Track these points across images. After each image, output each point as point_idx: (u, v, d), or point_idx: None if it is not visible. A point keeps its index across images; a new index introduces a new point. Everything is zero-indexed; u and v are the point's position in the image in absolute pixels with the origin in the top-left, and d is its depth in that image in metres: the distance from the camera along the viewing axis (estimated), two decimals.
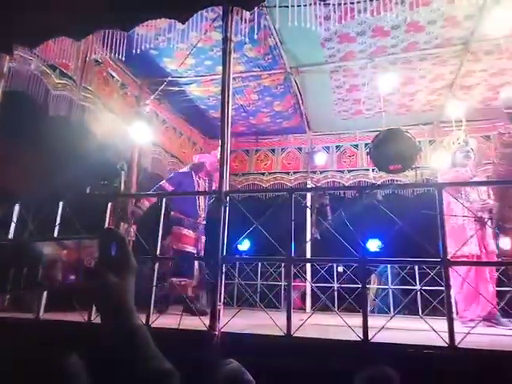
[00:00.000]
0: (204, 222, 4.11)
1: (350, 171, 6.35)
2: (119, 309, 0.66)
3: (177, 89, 5.03)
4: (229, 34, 2.55)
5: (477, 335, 2.61)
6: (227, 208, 2.30)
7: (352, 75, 4.77)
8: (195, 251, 3.95)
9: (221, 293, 2.19)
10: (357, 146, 6.35)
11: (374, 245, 6.26)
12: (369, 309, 5.77)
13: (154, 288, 2.52)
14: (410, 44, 4.13)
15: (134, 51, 3.20)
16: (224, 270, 2.26)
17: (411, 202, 5.62)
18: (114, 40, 3.09)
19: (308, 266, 5.94)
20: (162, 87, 4.28)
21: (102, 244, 0.71)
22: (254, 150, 6.78)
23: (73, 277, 0.75)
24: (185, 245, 3.90)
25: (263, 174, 6.65)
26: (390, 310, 5.23)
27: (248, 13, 2.80)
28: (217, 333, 2.12)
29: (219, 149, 2.43)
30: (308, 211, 5.40)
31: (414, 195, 5.83)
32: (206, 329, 2.15)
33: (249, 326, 2.74)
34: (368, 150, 3.40)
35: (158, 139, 5.38)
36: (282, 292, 5.81)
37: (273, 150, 6.72)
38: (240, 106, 5.51)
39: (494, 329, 3.38)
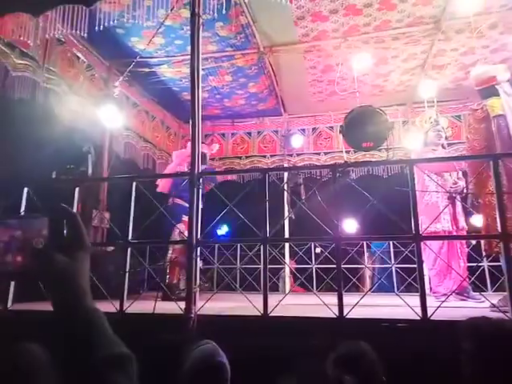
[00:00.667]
0: None
1: (326, 153, 6.37)
2: (71, 291, 0.61)
3: (147, 70, 4.86)
4: (197, 9, 2.45)
5: (449, 309, 2.70)
6: (200, 190, 2.25)
7: (326, 55, 4.72)
8: None
9: (196, 276, 2.16)
10: (332, 127, 6.36)
11: (350, 225, 6.34)
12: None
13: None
14: (382, 22, 4.11)
15: (96, 28, 3.03)
16: (199, 254, 2.21)
17: (386, 183, 5.71)
18: (76, 17, 2.91)
19: (286, 247, 5.99)
20: (130, 68, 4.10)
21: (52, 222, 0.65)
22: (230, 134, 6.69)
23: (19, 258, 0.69)
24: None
25: (240, 157, 6.58)
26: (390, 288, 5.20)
27: None
28: (193, 316, 2.09)
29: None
30: (285, 192, 5.41)
31: (389, 176, 5.93)
32: (181, 312, 2.12)
33: (227, 308, 2.73)
34: (340, 127, 3.38)
35: (130, 123, 5.21)
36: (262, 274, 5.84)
37: (249, 134, 6.64)
38: (214, 88, 5.38)
39: (465, 302, 3.51)
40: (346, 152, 5.94)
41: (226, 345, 1.69)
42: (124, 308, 2.27)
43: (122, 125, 4.82)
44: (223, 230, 5.59)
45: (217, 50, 4.59)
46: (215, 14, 2.75)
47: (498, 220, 2.09)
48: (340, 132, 3.46)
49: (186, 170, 3.94)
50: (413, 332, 1.97)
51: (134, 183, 2.38)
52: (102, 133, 4.64)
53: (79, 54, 4.40)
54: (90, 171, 3.52)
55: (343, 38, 4.33)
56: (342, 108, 5.83)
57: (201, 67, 2.52)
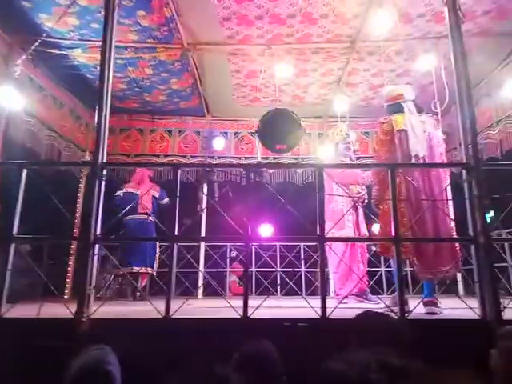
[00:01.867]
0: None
1: (247, 158, 6.42)
2: None
3: (57, 52, 4.41)
4: None
5: (348, 309, 2.86)
6: (103, 182, 2.07)
7: (250, 60, 4.77)
8: None
9: (91, 276, 1.96)
10: (254, 133, 6.43)
11: (266, 229, 6.49)
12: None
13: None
14: (304, 35, 4.27)
15: None
16: (97, 251, 2.02)
17: (301, 190, 5.95)
18: None
19: (202, 250, 5.88)
20: (34, 46, 3.68)
21: None
22: (149, 130, 6.39)
23: None
24: None
25: (158, 156, 6.31)
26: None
27: None
28: (85, 320, 1.89)
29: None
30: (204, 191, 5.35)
31: (304, 183, 6.19)
32: (72, 316, 1.91)
33: (128, 311, 2.56)
34: (256, 128, 3.44)
35: (33, 108, 4.66)
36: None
37: (170, 132, 6.43)
38: (133, 80, 5.10)
39: (364, 303, 3.78)
40: (265, 158, 6.08)
41: (121, 349, 1.56)
42: (2, 313, 1.97)
43: (22, 109, 4.30)
44: None
45: (137, 40, 4.35)
46: None
47: (392, 225, 2.27)
48: (255, 132, 3.51)
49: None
50: (312, 329, 2.02)
51: (25, 171, 2.10)
52: None
53: None
54: None
55: (267, 45, 4.42)
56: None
57: (113, 52, 2.34)
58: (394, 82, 5.10)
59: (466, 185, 2.18)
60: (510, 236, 4.63)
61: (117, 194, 4.84)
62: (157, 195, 4.99)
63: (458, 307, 2.62)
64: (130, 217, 4.67)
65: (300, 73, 5.03)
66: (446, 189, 2.82)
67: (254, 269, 5.60)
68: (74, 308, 1.96)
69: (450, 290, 4.42)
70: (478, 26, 4.09)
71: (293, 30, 4.18)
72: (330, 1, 3.68)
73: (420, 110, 3.09)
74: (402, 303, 2.15)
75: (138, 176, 5.04)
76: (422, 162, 2.79)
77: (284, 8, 3.80)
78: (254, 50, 4.56)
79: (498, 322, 2.01)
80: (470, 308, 2.16)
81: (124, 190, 4.80)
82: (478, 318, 2.08)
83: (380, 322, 1.54)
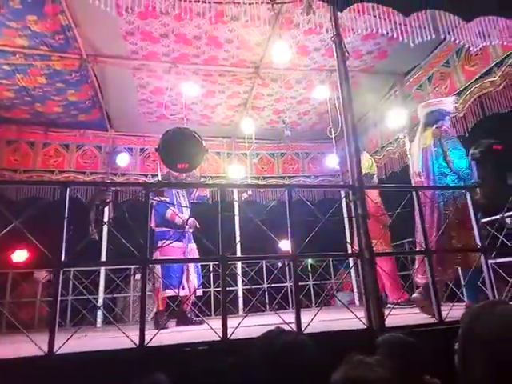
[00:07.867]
0: (191, 230, 4.05)
1: (153, 175, 6.22)
2: None
3: None
4: None
5: (252, 327, 2.88)
6: None
7: (156, 77, 4.69)
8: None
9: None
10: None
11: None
12: None
13: None
14: (210, 57, 4.36)
15: None
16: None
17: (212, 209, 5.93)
18: None
19: (102, 275, 5.49)
20: None
21: None
22: (41, 144, 5.81)
23: None
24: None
25: (52, 172, 5.77)
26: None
27: None
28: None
29: None
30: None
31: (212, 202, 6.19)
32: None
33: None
34: (157, 146, 3.35)
35: None
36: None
37: (66, 146, 5.94)
38: (22, 88, 4.61)
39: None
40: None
41: None
42: None
43: None
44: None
45: (28, 46, 3.97)
46: None
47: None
48: (156, 150, 3.43)
49: None
50: (212, 353, 1.98)
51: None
52: None
53: None
54: None
55: (173, 63, 4.39)
56: None
57: None
58: (295, 108, 5.48)
59: (352, 204, 2.40)
60: (411, 246, 5.18)
61: None
62: None
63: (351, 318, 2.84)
64: None
65: (208, 93, 5.10)
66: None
67: None
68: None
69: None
70: (364, 63, 4.64)
71: (199, 51, 4.24)
72: (234, 27, 3.83)
73: (429, 124, 3.14)
74: (299, 318, 2.23)
75: None
76: (418, 178, 3.07)
77: (189, 29, 3.84)
78: (159, 66, 4.49)
79: (382, 329, 2.20)
80: (358, 318, 2.34)
81: None
82: (365, 327, 2.27)
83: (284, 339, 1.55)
